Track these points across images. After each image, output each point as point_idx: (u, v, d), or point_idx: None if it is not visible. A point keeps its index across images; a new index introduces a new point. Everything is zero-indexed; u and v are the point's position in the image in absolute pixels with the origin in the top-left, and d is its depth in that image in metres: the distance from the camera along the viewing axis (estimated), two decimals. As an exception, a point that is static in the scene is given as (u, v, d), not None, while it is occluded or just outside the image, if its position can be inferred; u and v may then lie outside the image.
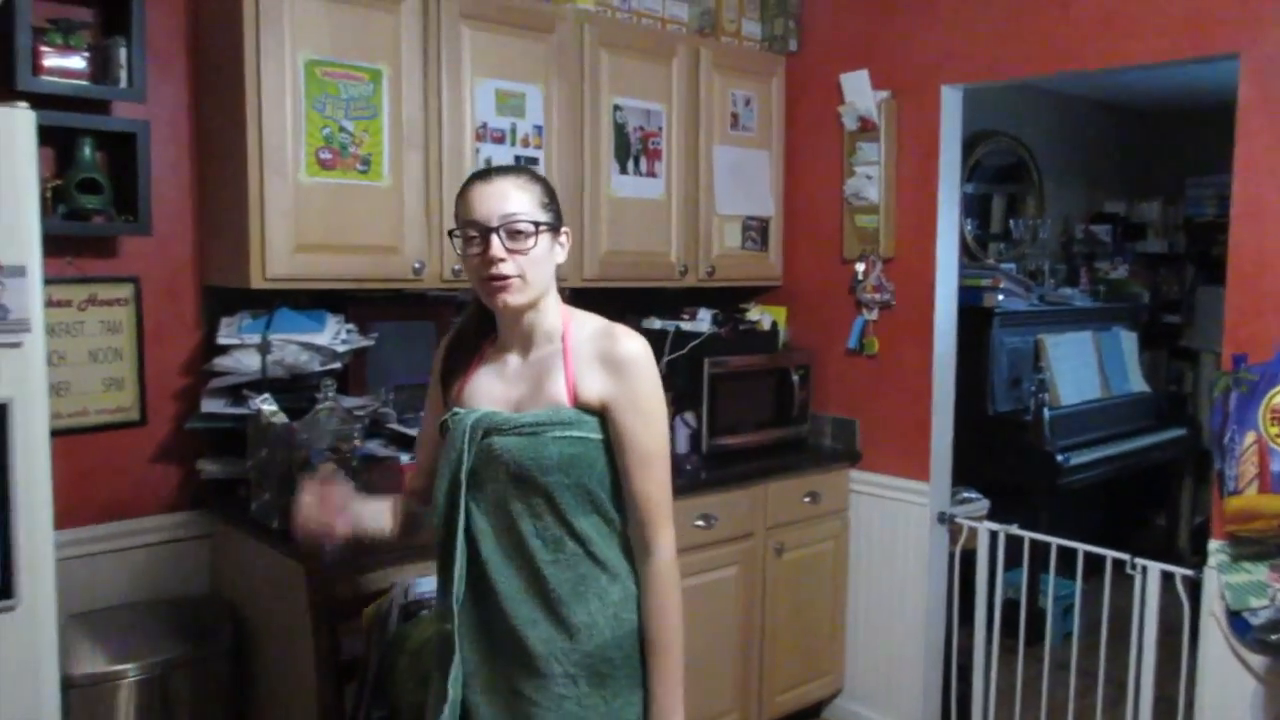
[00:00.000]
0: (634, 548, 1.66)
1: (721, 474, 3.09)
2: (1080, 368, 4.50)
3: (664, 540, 1.64)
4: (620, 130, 3.13)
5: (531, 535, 1.61)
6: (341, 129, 2.53)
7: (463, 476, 1.61)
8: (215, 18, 2.54)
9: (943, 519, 3.27)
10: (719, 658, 3.08)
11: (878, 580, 3.38)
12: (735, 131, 3.44)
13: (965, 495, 3.57)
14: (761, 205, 3.54)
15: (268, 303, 2.61)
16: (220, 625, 2.51)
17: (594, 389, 1.61)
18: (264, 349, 2.51)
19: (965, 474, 3.51)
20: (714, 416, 3.20)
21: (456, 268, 2.66)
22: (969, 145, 4.35)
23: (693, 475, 3.03)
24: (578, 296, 3.04)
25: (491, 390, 1.69)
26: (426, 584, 2.24)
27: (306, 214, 2.48)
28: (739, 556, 3.11)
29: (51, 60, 2.32)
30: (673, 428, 3.23)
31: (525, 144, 2.89)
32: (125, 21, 2.41)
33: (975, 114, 3.70)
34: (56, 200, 2.37)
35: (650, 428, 1.62)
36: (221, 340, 2.55)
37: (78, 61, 2.37)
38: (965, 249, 4.49)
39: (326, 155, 2.51)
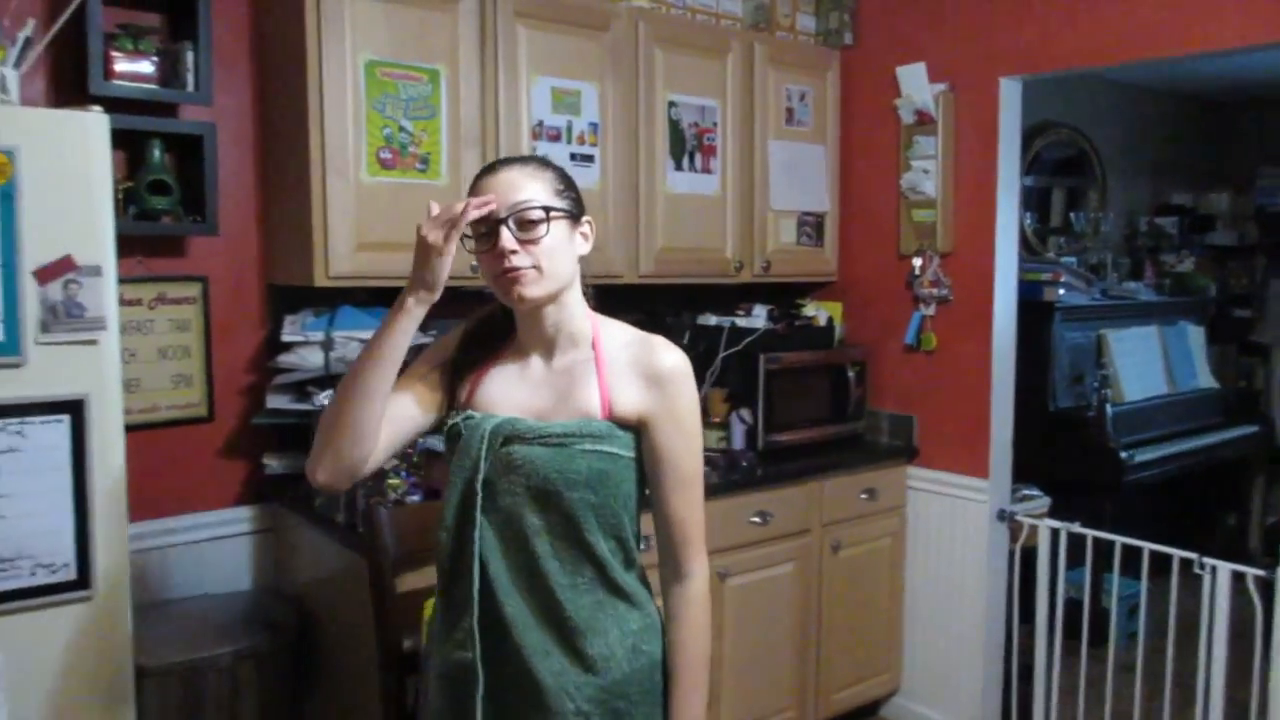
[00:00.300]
0: (664, 572, 1.57)
1: (777, 470, 3.07)
2: (1145, 363, 4.39)
3: (699, 565, 1.55)
4: (675, 126, 3.13)
5: (548, 555, 1.47)
6: (401, 129, 2.56)
7: (478, 487, 1.47)
8: (278, 21, 2.59)
9: (1002, 516, 3.22)
10: (775, 655, 3.07)
11: (936, 578, 3.34)
12: (790, 126, 3.42)
13: (1026, 492, 3.52)
14: (817, 200, 3.52)
15: (330, 300, 2.66)
16: (285, 617, 2.56)
17: (631, 402, 1.50)
18: (327, 346, 2.55)
19: (1025, 471, 3.45)
20: (770, 413, 3.19)
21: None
22: (1027, 137, 4.27)
23: (748, 472, 3.03)
24: (633, 292, 3.06)
25: (510, 395, 1.54)
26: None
27: (367, 213, 2.52)
28: (795, 553, 3.09)
29: (122, 65, 2.39)
30: (728, 424, 3.22)
31: (581, 141, 2.90)
32: (192, 26, 2.47)
33: (1034, 105, 3.64)
34: (127, 201, 2.44)
35: (691, 446, 1.53)
36: (286, 337, 2.60)
37: (146, 66, 2.43)
38: (1024, 243, 4.42)
39: (386, 155, 2.55)
